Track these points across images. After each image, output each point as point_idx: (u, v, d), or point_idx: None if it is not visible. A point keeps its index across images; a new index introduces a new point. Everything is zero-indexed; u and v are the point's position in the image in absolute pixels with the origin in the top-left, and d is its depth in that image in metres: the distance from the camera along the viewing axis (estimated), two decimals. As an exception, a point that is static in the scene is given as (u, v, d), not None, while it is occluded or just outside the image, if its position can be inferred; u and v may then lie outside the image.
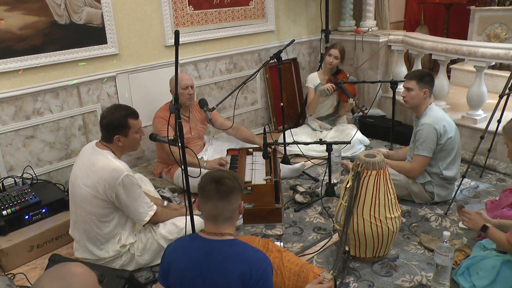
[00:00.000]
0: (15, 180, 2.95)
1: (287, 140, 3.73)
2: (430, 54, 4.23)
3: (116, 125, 2.30)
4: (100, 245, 2.36)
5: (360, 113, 4.37)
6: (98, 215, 2.30)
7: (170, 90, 3.36)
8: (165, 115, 3.19)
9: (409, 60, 5.58)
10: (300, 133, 4.10)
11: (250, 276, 1.60)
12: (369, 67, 4.77)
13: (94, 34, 3.24)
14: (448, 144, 2.90)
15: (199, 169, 2.74)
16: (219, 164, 3.14)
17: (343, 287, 2.29)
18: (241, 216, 2.58)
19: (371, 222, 2.32)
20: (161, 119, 3.21)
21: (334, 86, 3.88)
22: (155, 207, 2.43)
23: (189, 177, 2.21)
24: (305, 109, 4.39)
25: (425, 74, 2.96)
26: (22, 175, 3.00)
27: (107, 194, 2.26)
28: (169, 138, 2.16)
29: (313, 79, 4.12)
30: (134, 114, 2.37)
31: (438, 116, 2.90)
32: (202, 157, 3.41)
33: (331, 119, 4.19)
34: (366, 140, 4.05)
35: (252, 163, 3.25)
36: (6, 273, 2.52)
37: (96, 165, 2.27)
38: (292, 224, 2.92)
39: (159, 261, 2.48)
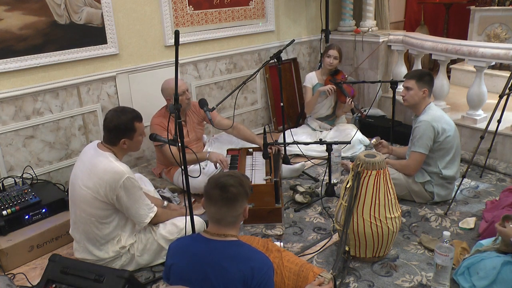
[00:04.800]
0: (15, 180, 2.95)
1: (287, 140, 3.73)
2: (430, 54, 4.22)
3: (123, 129, 2.29)
4: (100, 245, 2.36)
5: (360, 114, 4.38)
6: (98, 217, 2.29)
7: (167, 99, 3.19)
8: (161, 121, 3.18)
9: (409, 60, 5.58)
10: (300, 133, 4.09)
11: (252, 278, 1.60)
12: (369, 67, 4.77)
13: (94, 34, 3.24)
14: (446, 143, 2.90)
15: (199, 169, 2.73)
16: (221, 161, 3.11)
17: (343, 287, 2.28)
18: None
19: (371, 222, 2.32)
20: (158, 126, 3.17)
21: (334, 87, 3.88)
22: (155, 208, 2.42)
23: (189, 177, 2.21)
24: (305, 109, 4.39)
25: (425, 74, 2.96)
26: (22, 175, 3.00)
27: (108, 196, 2.25)
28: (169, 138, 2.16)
29: (311, 79, 4.11)
30: (139, 117, 2.37)
31: (436, 115, 2.90)
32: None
33: (330, 119, 4.20)
34: (366, 140, 4.05)
35: (252, 163, 3.25)
36: (6, 273, 2.52)
37: (98, 167, 2.26)
38: (292, 224, 2.92)
39: (159, 261, 2.50)
